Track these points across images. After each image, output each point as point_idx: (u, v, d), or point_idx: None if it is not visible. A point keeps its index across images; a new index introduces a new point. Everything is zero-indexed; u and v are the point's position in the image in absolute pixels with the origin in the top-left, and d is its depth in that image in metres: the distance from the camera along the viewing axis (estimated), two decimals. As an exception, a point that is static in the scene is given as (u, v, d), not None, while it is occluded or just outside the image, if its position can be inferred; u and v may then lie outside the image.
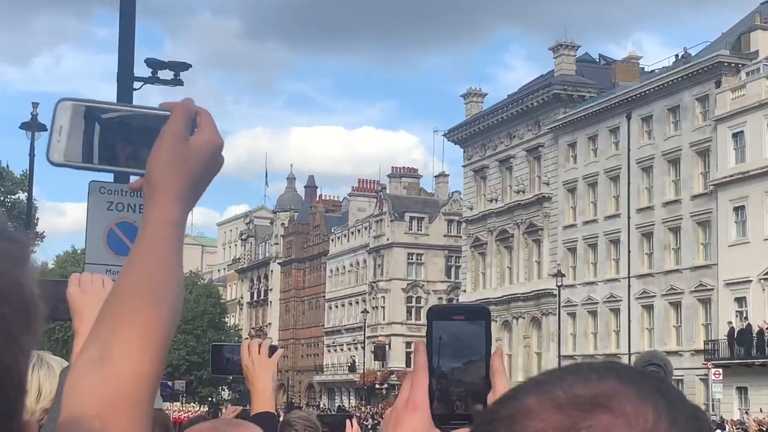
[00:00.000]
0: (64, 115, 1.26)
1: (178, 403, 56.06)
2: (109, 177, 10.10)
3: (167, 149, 1.23)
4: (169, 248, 1.19)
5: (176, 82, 12.74)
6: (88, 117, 1.27)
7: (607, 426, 0.77)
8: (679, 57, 58.90)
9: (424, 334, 1.27)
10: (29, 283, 0.81)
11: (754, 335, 45.43)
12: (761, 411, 42.43)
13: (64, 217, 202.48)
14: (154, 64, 12.58)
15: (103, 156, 1.28)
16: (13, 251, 0.81)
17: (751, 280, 46.80)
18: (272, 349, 2.95)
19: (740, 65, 50.32)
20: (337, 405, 76.69)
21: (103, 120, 1.28)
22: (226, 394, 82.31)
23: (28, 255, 0.84)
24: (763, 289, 46.44)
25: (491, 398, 1.26)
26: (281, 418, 4.61)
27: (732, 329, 46.64)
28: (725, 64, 50.18)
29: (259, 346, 2.94)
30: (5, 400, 0.75)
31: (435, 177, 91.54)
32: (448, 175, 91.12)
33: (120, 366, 1.09)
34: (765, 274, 46.14)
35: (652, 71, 60.52)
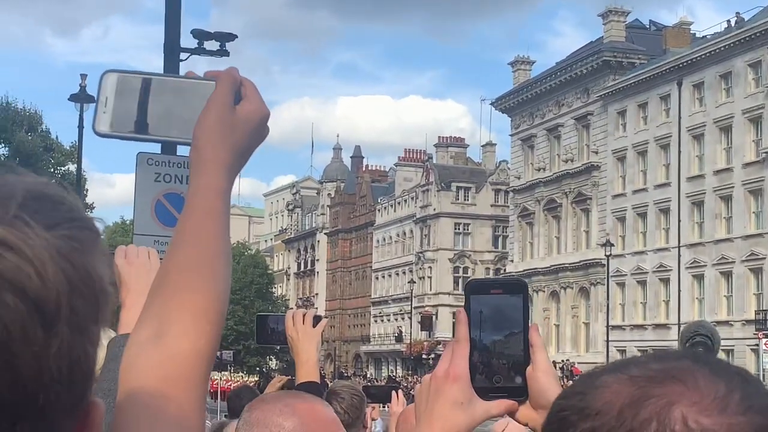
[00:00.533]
0: (110, 87, 1.27)
1: (227, 373, 56.78)
2: (156, 148, 10.20)
3: (215, 118, 1.22)
4: (219, 219, 1.19)
5: (222, 52, 12.77)
6: (134, 88, 1.28)
7: (679, 394, 0.79)
8: (732, 23, 57.91)
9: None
10: (101, 272, 0.80)
11: (807, 305, 44.94)
12: (814, 382, 42.05)
13: (113, 188, 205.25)
14: (200, 35, 12.61)
15: (149, 126, 1.28)
16: (85, 240, 0.80)
17: (804, 250, 46.30)
18: (316, 319, 2.97)
19: (795, 30, 49.46)
20: (385, 375, 77.15)
21: (149, 90, 1.28)
22: (273, 363, 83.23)
23: (99, 242, 0.83)
24: (818, 259, 45.90)
25: (530, 372, 1.28)
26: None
27: (785, 299, 46.20)
28: (779, 28, 49.36)
29: (304, 316, 2.95)
30: (75, 389, 0.77)
31: (482, 146, 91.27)
32: (495, 144, 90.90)
33: (177, 344, 1.10)
34: (819, 244, 45.56)
35: (703, 37, 59.63)
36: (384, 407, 4.85)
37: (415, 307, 77.95)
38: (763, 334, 43.96)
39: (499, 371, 1.27)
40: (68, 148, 54.22)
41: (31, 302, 0.73)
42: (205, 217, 1.17)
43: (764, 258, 48.90)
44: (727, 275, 51.71)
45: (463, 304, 1.29)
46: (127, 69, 1.30)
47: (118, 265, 2.12)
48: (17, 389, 0.72)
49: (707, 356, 0.85)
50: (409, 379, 64.22)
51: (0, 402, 0.72)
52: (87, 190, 53.58)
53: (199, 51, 12.56)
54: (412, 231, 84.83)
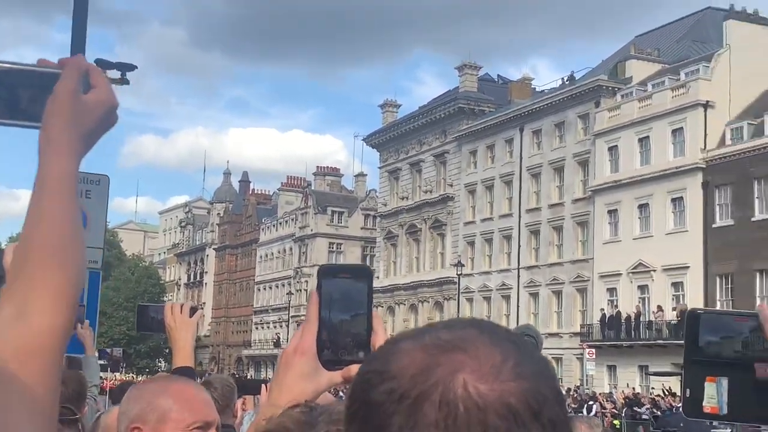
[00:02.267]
0: None
1: (118, 373, 54.83)
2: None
3: (63, 105, 1.15)
4: (70, 202, 1.13)
5: (123, 81, 12.26)
6: None
7: (460, 362, 0.81)
8: (565, 80, 59.81)
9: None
10: None
11: (622, 321, 46.37)
12: (627, 386, 43.45)
13: (17, 202, 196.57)
14: (102, 63, 12.04)
15: None
16: None
17: (621, 274, 47.76)
18: (192, 311, 2.88)
19: (616, 89, 51.28)
20: (264, 376, 75.95)
21: None
22: (163, 365, 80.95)
23: None
24: (631, 282, 47.42)
25: (374, 349, 1.25)
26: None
27: (604, 315, 47.52)
28: (604, 87, 51.08)
29: (181, 307, 2.86)
30: None
31: (355, 176, 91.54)
32: (366, 175, 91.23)
33: (37, 321, 1.06)
34: (633, 269, 47.15)
35: (542, 91, 61.32)
36: (255, 399, 4.72)
37: (293, 316, 77.29)
38: (587, 344, 45.24)
39: (345, 347, 1.24)
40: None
41: None
42: (58, 199, 1.12)
43: (588, 280, 50.30)
44: (558, 294, 52.98)
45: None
46: None
47: (7, 261, 2.02)
48: None
49: (490, 325, 0.87)
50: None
51: None
52: (-7, 203, 51.23)
53: (102, 79, 12.12)
54: (291, 248, 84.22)
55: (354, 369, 1.21)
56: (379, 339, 1.25)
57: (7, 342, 1.05)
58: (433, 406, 0.79)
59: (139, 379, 55.07)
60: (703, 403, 1.61)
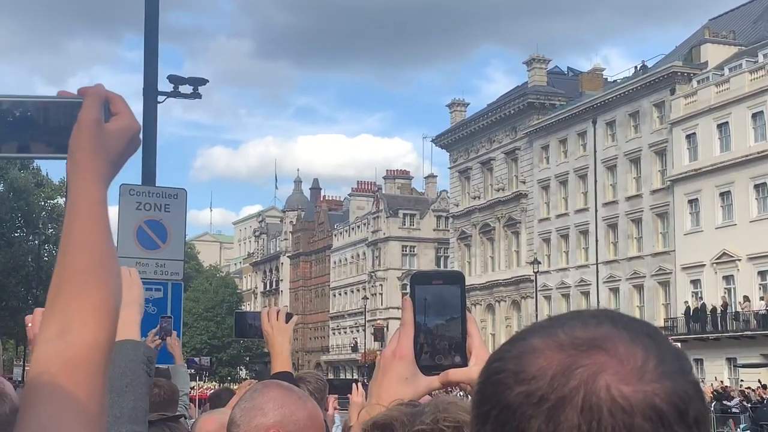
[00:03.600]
0: None
1: (201, 382, 55.89)
2: (138, 180, 10.03)
3: (87, 135, 1.19)
4: (102, 224, 1.18)
5: (195, 95, 12.57)
6: (4, 110, 1.21)
7: (602, 364, 0.79)
8: (638, 68, 58.84)
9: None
10: None
11: (708, 313, 45.45)
12: (715, 379, 42.49)
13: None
14: (175, 80, 12.47)
15: (16, 143, 1.21)
16: None
17: (704, 265, 46.82)
18: (288, 316, 2.96)
19: (692, 74, 50.29)
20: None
21: (22, 111, 1.21)
22: (243, 373, 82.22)
23: None
24: (716, 272, 46.45)
25: (469, 354, 1.27)
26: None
27: (688, 308, 46.66)
28: (678, 73, 50.15)
29: (277, 313, 2.94)
30: None
31: (425, 178, 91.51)
32: (436, 176, 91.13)
33: (78, 336, 1.10)
34: (717, 259, 46.16)
35: (614, 81, 60.48)
36: (345, 397, 4.82)
37: (369, 321, 77.65)
38: (672, 338, 44.22)
39: (441, 351, 1.26)
40: (57, 183, 53.39)
41: None
42: (90, 223, 1.16)
43: (671, 273, 49.44)
44: (639, 288, 52.19)
45: (409, 293, 1.29)
46: None
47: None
48: None
49: (624, 318, 0.84)
50: (366, 382, 63.76)
51: None
52: (74, 220, 52.68)
53: (175, 94, 12.38)
54: (364, 253, 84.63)
55: (452, 373, 1.25)
56: (474, 342, 1.27)
57: (53, 357, 1.08)
58: (575, 410, 0.77)
59: (225, 386, 55.95)
60: None
